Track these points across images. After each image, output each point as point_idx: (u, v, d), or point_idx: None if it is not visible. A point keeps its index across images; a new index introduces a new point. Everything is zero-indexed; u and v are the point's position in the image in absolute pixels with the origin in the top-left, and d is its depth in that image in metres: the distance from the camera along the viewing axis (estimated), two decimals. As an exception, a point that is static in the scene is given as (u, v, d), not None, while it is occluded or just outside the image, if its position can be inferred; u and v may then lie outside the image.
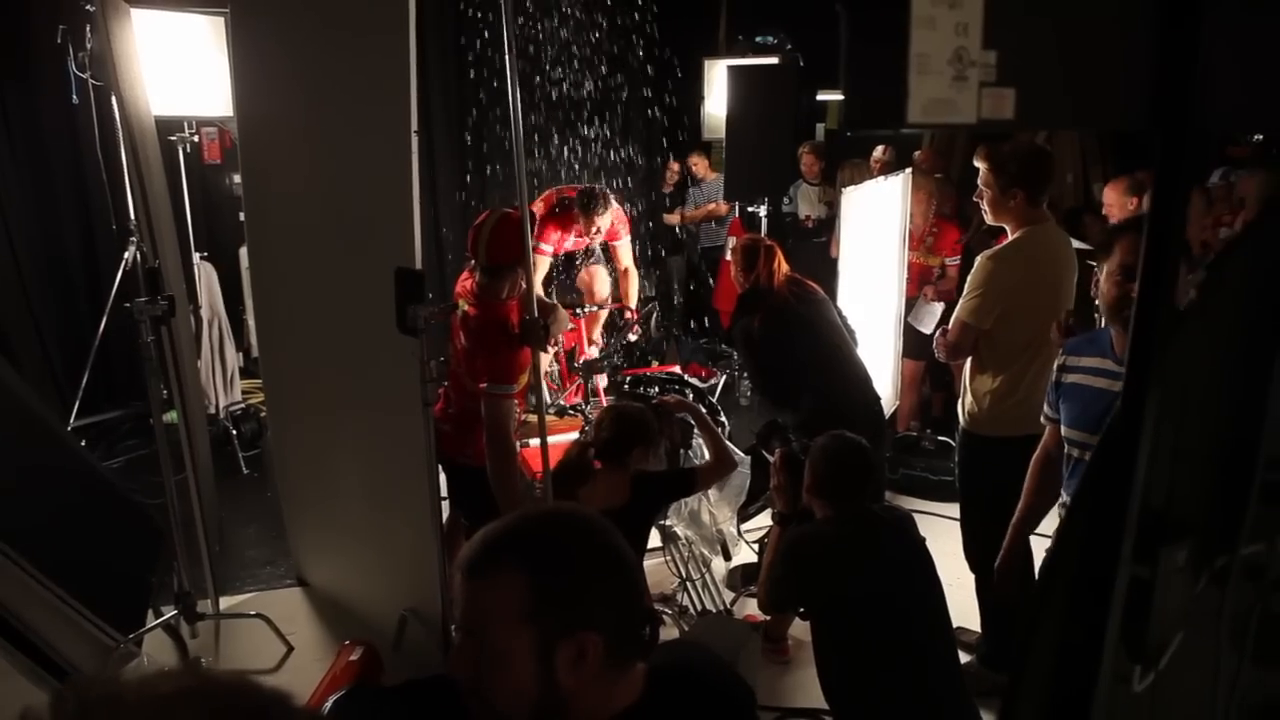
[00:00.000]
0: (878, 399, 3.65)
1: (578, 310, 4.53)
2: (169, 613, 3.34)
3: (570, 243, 4.58)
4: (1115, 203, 4.85)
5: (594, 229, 4.39)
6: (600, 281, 4.74)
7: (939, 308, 4.97)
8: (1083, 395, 2.27)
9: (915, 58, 0.63)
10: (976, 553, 3.13)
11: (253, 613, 3.54)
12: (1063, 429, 2.34)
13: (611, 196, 4.55)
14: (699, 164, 7.16)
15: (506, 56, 2.58)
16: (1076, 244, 3.30)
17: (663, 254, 7.67)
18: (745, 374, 5.64)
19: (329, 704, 2.57)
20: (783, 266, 3.54)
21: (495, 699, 1.10)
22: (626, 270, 4.83)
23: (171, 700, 0.60)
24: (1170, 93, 0.81)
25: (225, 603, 3.64)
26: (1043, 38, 0.71)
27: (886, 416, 4.68)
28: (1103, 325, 2.48)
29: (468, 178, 7.10)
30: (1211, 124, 0.85)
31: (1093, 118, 0.79)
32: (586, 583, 1.10)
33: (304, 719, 0.65)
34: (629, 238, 4.78)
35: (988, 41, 0.66)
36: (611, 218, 4.44)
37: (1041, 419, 2.47)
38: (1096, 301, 2.58)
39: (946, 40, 0.65)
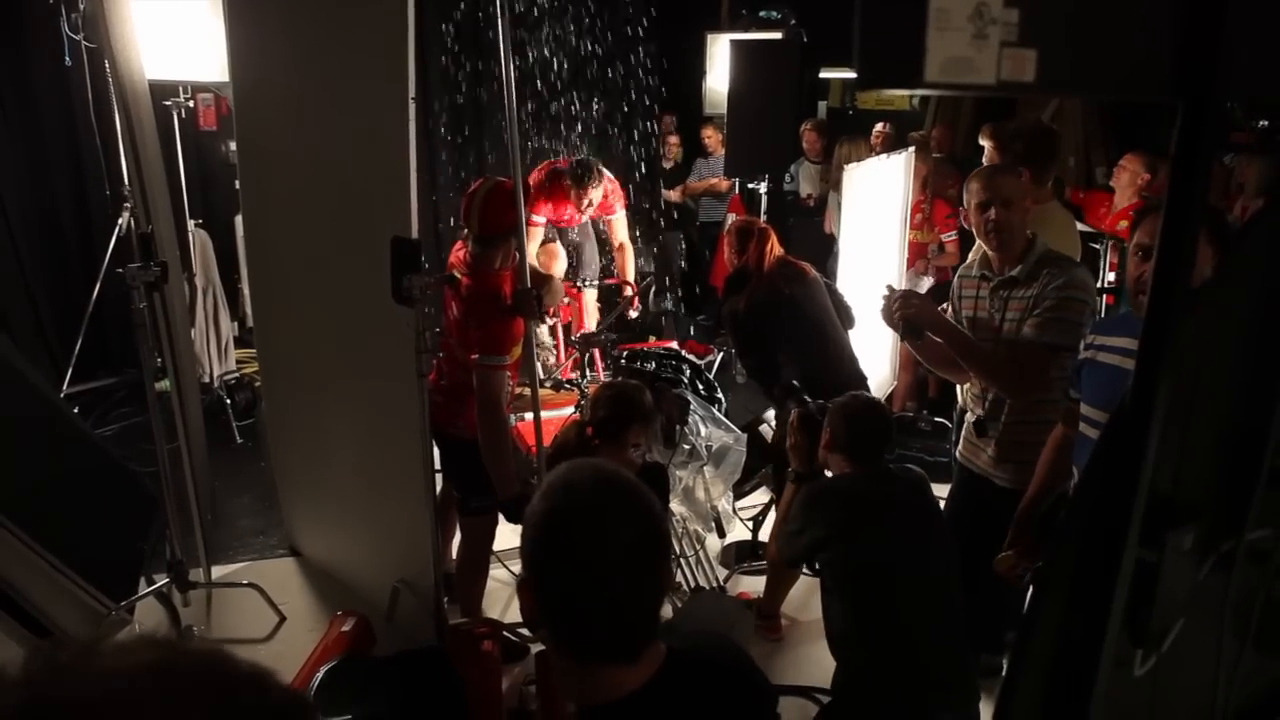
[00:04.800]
0: (864, 379, 3.65)
1: (577, 283, 4.50)
2: (161, 581, 3.33)
3: (567, 215, 4.54)
4: (1130, 169, 4.80)
5: (585, 201, 4.35)
6: (558, 261, 4.67)
7: (928, 282, 4.96)
8: (1109, 375, 2.24)
9: (934, 12, 0.60)
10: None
11: (245, 582, 3.53)
12: (1083, 406, 2.32)
13: (604, 169, 4.51)
14: (711, 137, 7.08)
15: (499, 23, 2.55)
16: (1081, 226, 3.27)
17: (662, 227, 7.61)
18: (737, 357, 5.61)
19: (320, 674, 2.57)
20: (775, 250, 3.54)
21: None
22: (622, 245, 4.79)
23: (138, 671, 0.58)
24: (1195, 62, 0.78)
25: (217, 572, 3.64)
26: (1067, -2, 0.68)
27: (883, 397, 4.67)
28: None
29: (467, 145, 7.03)
30: (1237, 97, 0.82)
31: (1115, 85, 0.76)
32: (541, 565, 1.13)
33: (280, 697, 0.62)
34: (624, 212, 4.74)
35: (1010, -1, 0.64)
36: (604, 190, 4.40)
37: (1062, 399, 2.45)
38: (1099, 284, 2.58)
39: (968, -5, 0.62)
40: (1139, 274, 2.15)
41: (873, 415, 2.55)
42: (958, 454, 2.96)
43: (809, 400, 2.96)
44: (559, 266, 4.60)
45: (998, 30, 0.64)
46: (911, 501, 2.47)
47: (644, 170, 7.51)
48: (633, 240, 5.05)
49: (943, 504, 3.13)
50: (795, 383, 3.19)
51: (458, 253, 3.09)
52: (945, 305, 2.93)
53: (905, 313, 2.62)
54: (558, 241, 4.78)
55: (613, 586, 1.09)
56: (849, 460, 2.53)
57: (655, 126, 7.49)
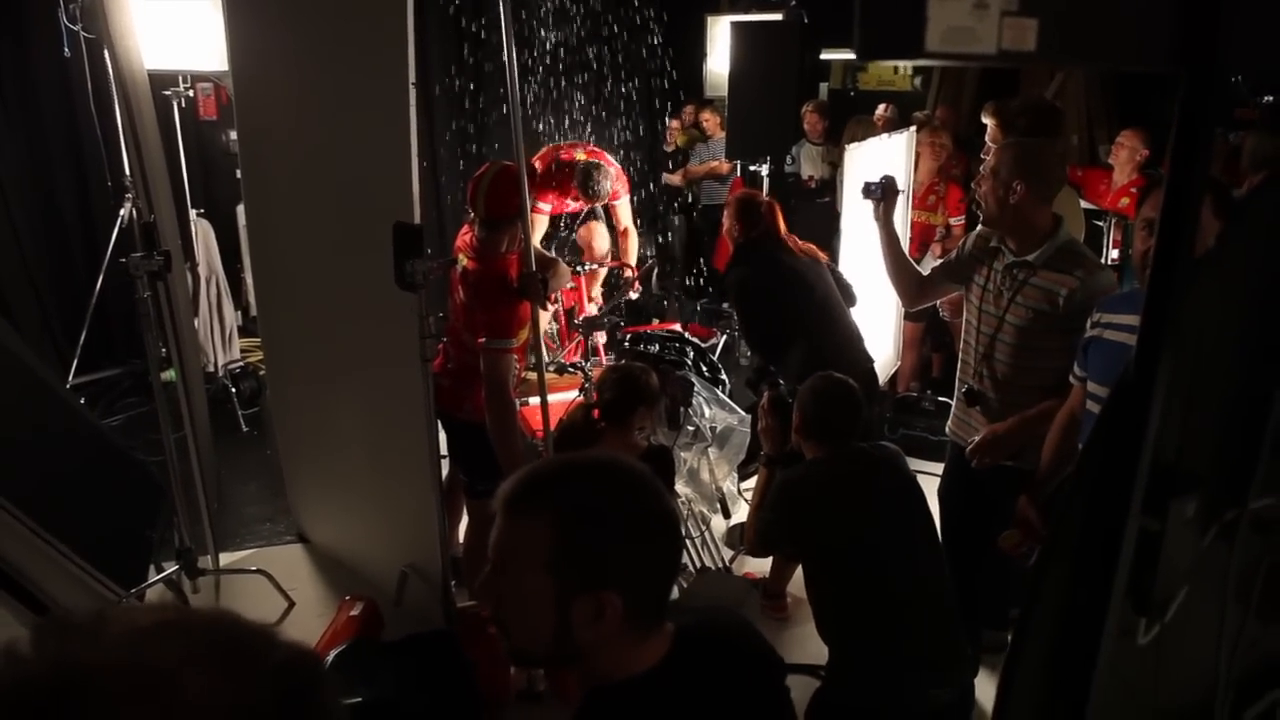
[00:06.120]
0: (870, 360, 3.65)
1: (578, 267, 4.50)
2: (170, 568, 3.35)
3: (570, 206, 4.54)
4: (1129, 145, 4.77)
5: (595, 202, 4.36)
6: (599, 238, 4.70)
7: (937, 263, 4.93)
8: (1116, 352, 2.22)
9: (936, -19, 0.61)
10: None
11: (253, 569, 3.55)
12: (1089, 385, 2.31)
13: (609, 158, 4.49)
14: (709, 120, 7.06)
15: (501, 6, 2.54)
16: (1084, 204, 3.26)
17: (671, 214, 7.60)
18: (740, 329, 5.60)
19: (329, 659, 2.59)
20: (782, 225, 3.55)
21: (512, 635, 1.12)
22: (626, 230, 4.78)
23: (151, 632, 0.60)
24: (1197, 32, 0.78)
25: (225, 559, 3.66)
26: (1068, -33, 0.68)
27: (887, 377, 4.67)
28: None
29: (468, 130, 7.02)
30: (1239, 66, 0.82)
31: (1116, 54, 0.77)
32: (614, 543, 1.09)
33: (289, 654, 0.64)
34: (628, 196, 4.73)
35: (1011, -33, 0.64)
36: (610, 185, 4.38)
37: (1070, 378, 2.44)
38: (1103, 260, 2.57)
39: (968, -37, 0.62)
40: (1146, 249, 2.14)
41: (841, 395, 2.50)
42: (948, 429, 2.96)
43: (780, 383, 2.96)
44: (600, 243, 4.62)
45: (998, -1, 0.64)
46: (887, 478, 2.45)
47: (645, 154, 7.50)
48: (635, 224, 5.04)
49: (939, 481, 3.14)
50: (770, 363, 3.20)
51: (464, 237, 3.10)
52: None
53: (982, 461, 2.66)
54: (601, 220, 4.77)
55: (668, 530, 1.14)
56: (819, 442, 2.50)
57: (665, 108, 7.46)
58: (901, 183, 4.66)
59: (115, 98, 3.63)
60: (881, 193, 3.06)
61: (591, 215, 4.81)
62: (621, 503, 1.11)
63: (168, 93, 4.68)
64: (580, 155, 4.37)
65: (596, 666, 1.13)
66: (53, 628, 0.59)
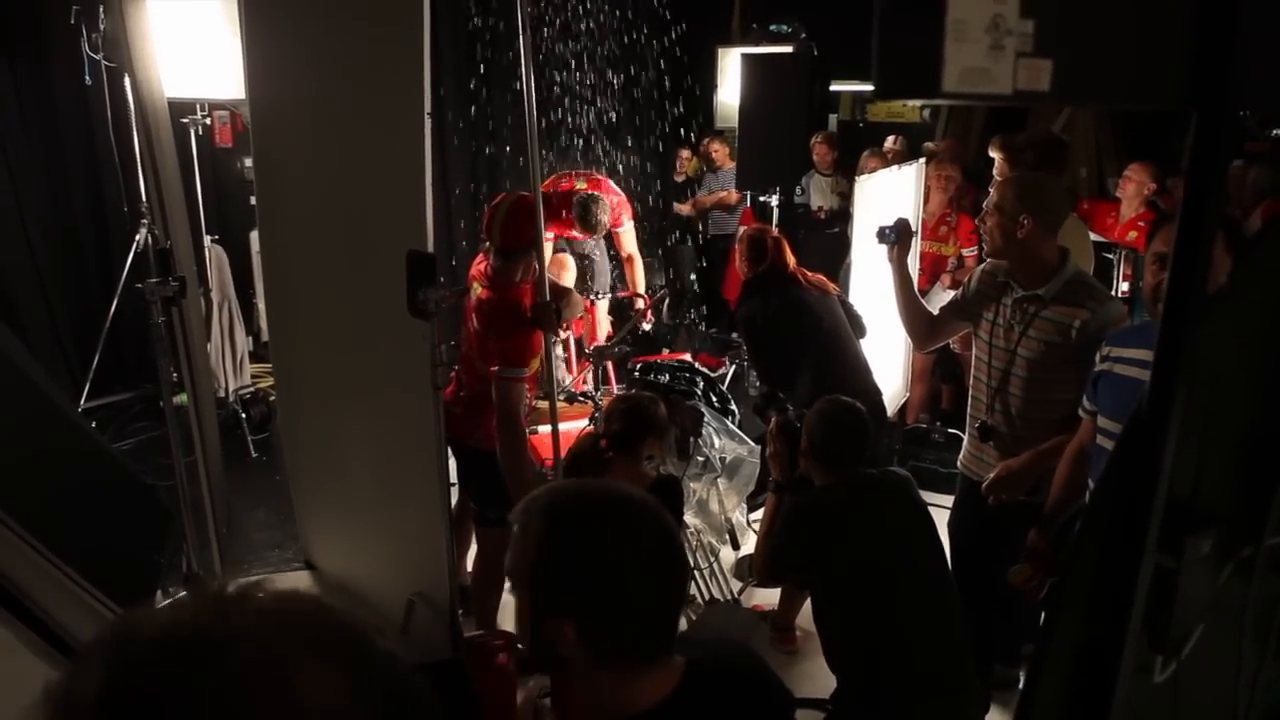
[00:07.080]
0: (878, 391, 3.65)
1: (589, 296, 4.52)
2: (177, 594, 3.34)
3: (577, 234, 4.57)
4: (1136, 179, 4.79)
5: (593, 234, 4.40)
6: (567, 272, 4.70)
7: (949, 295, 4.94)
8: (1127, 386, 2.21)
9: (952, 23, 0.61)
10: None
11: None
12: (1099, 419, 2.30)
13: (611, 185, 4.52)
14: (718, 151, 7.11)
15: (521, 39, 2.57)
16: (1094, 236, 3.27)
17: (676, 241, 7.63)
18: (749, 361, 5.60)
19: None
20: (791, 259, 3.57)
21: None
22: (630, 257, 4.79)
23: (279, 615, 0.64)
24: (1208, 71, 0.79)
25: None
26: (1081, 9, 0.69)
27: (897, 408, 4.66)
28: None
29: (482, 159, 7.08)
30: (1250, 105, 0.83)
31: (1129, 94, 0.77)
32: (572, 573, 1.11)
33: (388, 646, 0.68)
34: (632, 224, 4.75)
35: (1026, 9, 0.65)
36: (609, 218, 4.40)
37: (1080, 412, 2.43)
38: (1113, 293, 2.57)
39: (984, 6, 0.63)
40: (1157, 282, 2.14)
41: (848, 419, 2.49)
42: (960, 464, 2.95)
43: (789, 408, 2.95)
44: (568, 277, 4.62)
45: (1014, 41, 0.65)
46: (897, 506, 2.43)
47: (655, 184, 7.54)
48: (642, 253, 5.07)
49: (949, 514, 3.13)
50: (780, 393, 3.20)
51: (478, 265, 3.12)
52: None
53: (998, 497, 2.64)
54: (567, 252, 4.79)
55: (655, 572, 1.14)
56: (828, 468, 2.49)
57: (676, 138, 7.52)
58: (912, 215, 4.69)
59: (134, 125, 3.68)
60: (895, 236, 3.07)
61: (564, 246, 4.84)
62: (595, 534, 1.13)
63: (185, 120, 4.74)
64: (581, 185, 4.39)
65: (598, 699, 1.13)
66: (201, 593, 0.64)
